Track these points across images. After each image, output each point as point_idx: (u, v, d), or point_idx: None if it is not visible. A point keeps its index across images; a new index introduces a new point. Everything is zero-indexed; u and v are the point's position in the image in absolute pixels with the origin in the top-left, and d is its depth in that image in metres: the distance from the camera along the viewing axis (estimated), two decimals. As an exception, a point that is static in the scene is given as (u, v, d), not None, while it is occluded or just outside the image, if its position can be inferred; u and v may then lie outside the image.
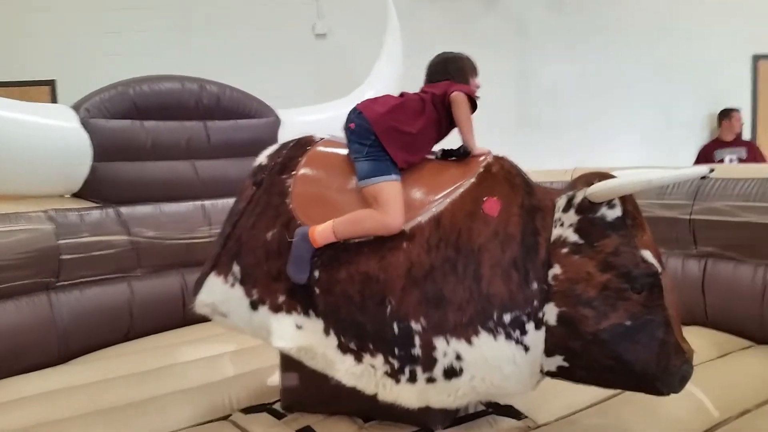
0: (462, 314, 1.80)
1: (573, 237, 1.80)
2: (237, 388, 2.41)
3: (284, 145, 2.26)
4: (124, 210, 3.44)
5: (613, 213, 1.78)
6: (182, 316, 3.48)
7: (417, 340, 1.82)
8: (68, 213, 3.21)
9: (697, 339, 2.20)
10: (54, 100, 5.67)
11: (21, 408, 2.37)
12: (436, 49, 2.33)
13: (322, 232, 1.93)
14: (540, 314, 1.78)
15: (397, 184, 1.98)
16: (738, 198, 2.89)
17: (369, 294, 1.88)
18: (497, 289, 1.80)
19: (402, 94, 2.18)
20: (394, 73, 4.92)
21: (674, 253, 3.15)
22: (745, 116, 6.56)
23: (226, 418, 2.27)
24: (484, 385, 1.80)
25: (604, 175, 1.83)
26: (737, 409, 2.22)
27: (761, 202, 2.81)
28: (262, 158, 2.25)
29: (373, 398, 1.88)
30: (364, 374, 1.88)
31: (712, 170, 1.72)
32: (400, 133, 2.03)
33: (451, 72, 2.21)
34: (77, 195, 3.47)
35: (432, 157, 2.17)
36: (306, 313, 1.97)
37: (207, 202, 3.73)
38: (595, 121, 6.46)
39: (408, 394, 1.84)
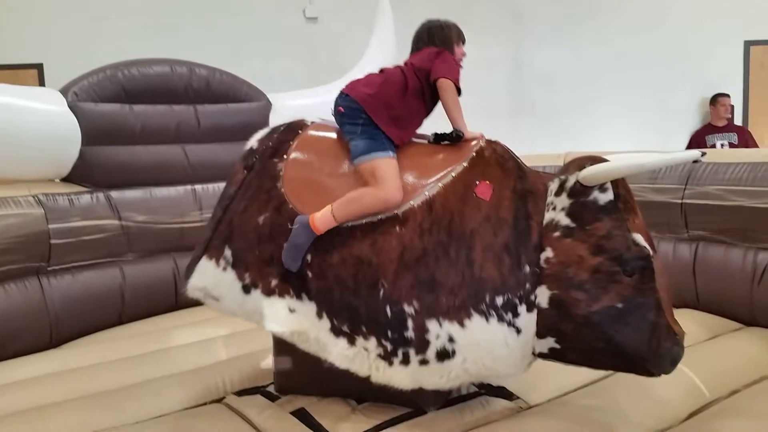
0: (454, 297, 1.81)
1: (565, 220, 1.81)
2: (230, 371, 2.41)
3: (275, 129, 2.25)
4: (115, 194, 3.42)
5: (605, 196, 1.79)
6: (174, 300, 3.48)
7: (410, 323, 1.82)
8: (58, 197, 3.19)
9: (688, 321, 2.23)
10: (41, 83, 5.61)
11: (13, 392, 2.36)
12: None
13: (322, 218, 1.92)
14: (532, 297, 1.79)
15: (393, 161, 1.98)
16: (729, 182, 2.91)
17: (362, 278, 1.89)
18: (489, 273, 1.81)
19: (382, 70, 2.17)
20: (386, 58, 4.89)
21: (666, 236, 3.17)
22: (737, 102, 6.59)
23: (220, 400, 2.27)
24: (477, 367, 1.82)
25: (596, 159, 1.83)
26: (727, 390, 2.26)
27: (752, 186, 2.83)
28: (253, 142, 2.23)
29: (366, 380, 1.89)
30: (357, 357, 1.88)
31: (703, 154, 1.73)
32: (388, 108, 2.04)
33: (435, 40, 2.18)
34: (66, 179, 3.44)
35: (424, 141, 2.17)
36: (299, 297, 1.96)
37: (198, 187, 3.71)
38: (588, 107, 6.47)
39: (401, 376, 1.85)
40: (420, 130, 2.23)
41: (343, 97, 2.09)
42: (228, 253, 2.06)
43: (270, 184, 2.09)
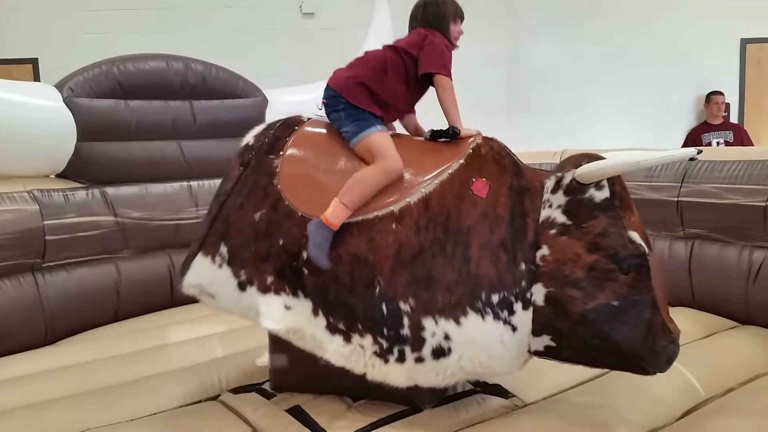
0: (450, 295, 1.81)
1: (561, 218, 1.81)
2: (226, 369, 2.41)
3: (271, 125, 2.24)
4: (110, 190, 3.41)
5: (601, 194, 1.79)
6: (170, 297, 3.47)
7: (406, 321, 1.82)
8: (53, 193, 3.17)
9: (684, 320, 2.23)
10: (36, 78, 5.58)
11: (8, 389, 2.35)
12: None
13: (334, 213, 1.90)
14: (528, 295, 1.79)
15: (384, 133, 2.02)
16: (725, 180, 2.91)
17: (358, 275, 1.88)
18: (486, 270, 1.81)
19: (365, 53, 2.18)
20: (383, 53, 4.88)
21: (661, 234, 3.18)
22: (733, 100, 6.61)
23: (215, 398, 2.27)
24: (472, 364, 1.82)
25: (592, 157, 1.83)
26: (722, 388, 2.26)
27: (747, 184, 2.83)
28: (249, 138, 2.23)
29: (362, 378, 1.88)
30: (352, 354, 1.88)
31: (699, 152, 1.73)
32: (365, 88, 2.06)
33: (429, 18, 2.16)
34: (62, 175, 3.42)
35: (421, 138, 2.17)
36: (294, 294, 1.96)
37: (194, 183, 3.70)
38: (584, 104, 6.47)
39: (397, 374, 1.84)
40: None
41: (326, 88, 2.13)
42: (224, 249, 2.06)
43: (266, 180, 2.08)
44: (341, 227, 1.92)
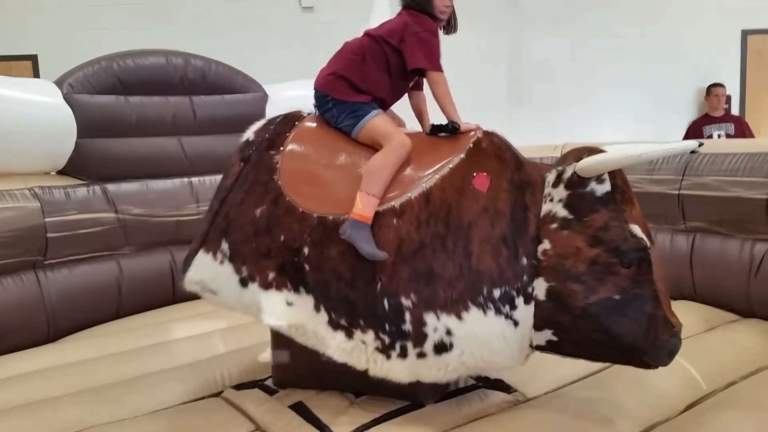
0: (452, 290, 1.81)
1: (562, 212, 1.80)
2: (228, 365, 2.41)
3: (271, 121, 2.24)
4: (111, 187, 3.40)
5: (603, 188, 1.78)
6: (172, 293, 3.47)
7: (407, 316, 1.82)
8: (54, 190, 3.17)
9: (685, 313, 2.22)
10: (36, 75, 5.57)
11: (10, 387, 2.36)
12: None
13: (363, 206, 1.87)
14: (529, 289, 1.79)
15: (383, 116, 2.04)
16: (726, 173, 2.90)
17: (359, 271, 1.88)
18: (487, 265, 1.81)
19: (344, 44, 2.18)
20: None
21: (663, 228, 3.17)
22: (734, 92, 6.59)
23: (218, 394, 2.27)
24: (474, 359, 1.81)
25: (593, 150, 1.82)
26: (724, 381, 2.26)
27: (749, 176, 2.82)
28: (249, 134, 2.22)
29: (364, 373, 1.88)
30: (354, 350, 1.88)
31: (701, 144, 1.73)
32: (345, 79, 2.06)
33: (417, 2, 2.09)
34: (62, 172, 3.42)
35: (421, 133, 2.16)
36: (296, 290, 1.96)
37: (194, 179, 3.70)
38: (585, 97, 6.46)
39: (399, 370, 1.84)
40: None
41: (314, 92, 2.14)
42: (225, 246, 2.06)
43: (266, 176, 2.08)
44: (342, 222, 1.91)
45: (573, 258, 1.75)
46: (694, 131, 6.35)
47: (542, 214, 1.83)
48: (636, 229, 1.75)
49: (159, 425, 2.03)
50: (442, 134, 2.06)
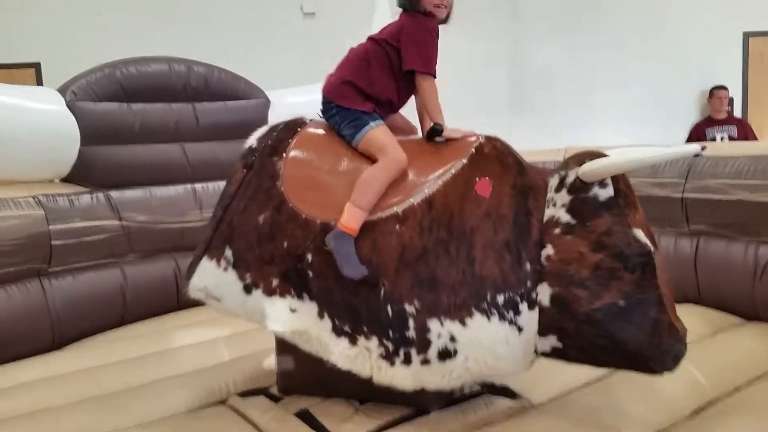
0: (455, 296, 1.80)
1: (565, 217, 1.80)
2: (233, 372, 2.41)
3: (274, 128, 2.24)
4: (115, 194, 3.41)
5: (605, 192, 1.78)
6: (176, 300, 3.47)
7: (411, 323, 1.82)
8: (58, 198, 3.17)
9: (690, 317, 2.22)
10: (39, 82, 5.59)
11: (15, 395, 2.36)
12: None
13: (349, 218, 1.88)
14: (533, 295, 1.79)
15: (382, 128, 2.02)
16: (730, 176, 2.90)
17: (363, 277, 1.87)
18: (490, 271, 1.80)
19: (350, 50, 2.17)
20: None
21: (666, 231, 3.16)
22: (737, 94, 6.58)
23: (223, 402, 2.27)
24: (478, 366, 1.81)
25: (596, 154, 1.82)
26: (729, 386, 2.25)
27: (752, 179, 2.82)
28: (252, 141, 2.22)
29: (369, 380, 1.88)
30: (358, 357, 1.88)
31: (704, 148, 1.73)
32: (352, 85, 2.05)
33: (408, 1, 2.08)
34: (66, 180, 3.43)
35: (421, 138, 2.16)
36: (300, 297, 1.96)
37: (198, 186, 3.70)
38: (587, 101, 6.46)
39: (403, 376, 1.84)
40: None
41: (322, 98, 2.13)
42: (229, 253, 2.06)
43: (269, 183, 2.08)
44: (344, 229, 1.92)
45: (576, 263, 1.75)
46: (696, 134, 6.34)
47: (545, 219, 1.83)
48: (639, 233, 1.75)
49: (164, 433, 2.03)
50: (438, 139, 2.05)
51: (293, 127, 2.20)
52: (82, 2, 5.71)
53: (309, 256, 1.94)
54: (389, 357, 1.85)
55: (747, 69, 6.67)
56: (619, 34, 6.45)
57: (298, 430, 1.98)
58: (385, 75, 2.08)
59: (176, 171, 3.67)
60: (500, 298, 1.78)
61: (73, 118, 3.34)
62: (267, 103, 4.07)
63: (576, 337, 1.76)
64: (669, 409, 2.07)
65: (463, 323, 1.79)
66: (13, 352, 2.84)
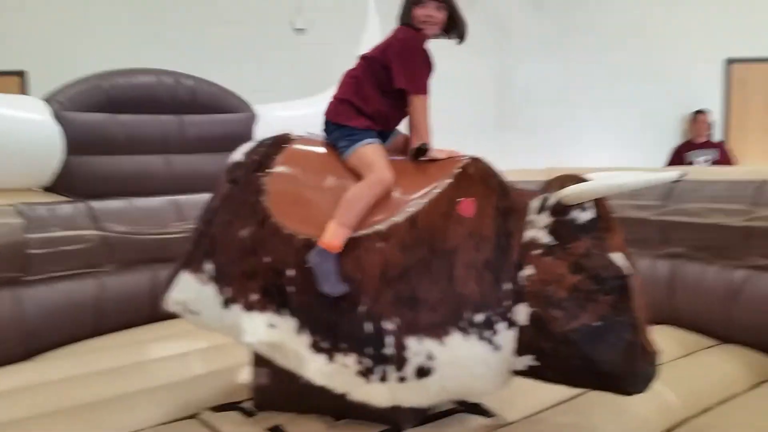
0: (434, 314, 1.81)
1: (546, 239, 1.82)
2: (206, 387, 2.38)
3: (261, 143, 2.24)
4: (96, 204, 3.37)
5: (585, 216, 1.80)
6: (153, 311, 3.40)
7: (389, 340, 1.82)
8: (38, 207, 3.14)
9: (666, 338, 2.25)
10: (24, 91, 5.56)
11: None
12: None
13: (333, 235, 1.89)
14: (511, 314, 1.80)
15: (374, 146, 2.04)
16: (708, 200, 2.94)
17: (344, 294, 1.88)
18: (470, 290, 1.82)
19: (346, 71, 2.20)
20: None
21: (645, 253, 3.20)
22: (718, 119, 6.70)
23: (195, 416, 2.24)
24: (455, 384, 1.82)
25: (577, 178, 1.85)
26: (699, 407, 2.28)
27: (728, 203, 2.86)
28: (239, 156, 2.21)
29: (344, 397, 1.87)
30: (335, 373, 1.87)
31: (683, 174, 1.76)
32: (348, 102, 2.09)
33: (400, 16, 2.12)
34: (49, 189, 3.40)
35: (407, 158, 2.17)
36: (279, 312, 1.95)
37: (180, 197, 3.67)
38: (571, 122, 6.54)
39: (379, 394, 1.84)
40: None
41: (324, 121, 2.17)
42: (209, 267, 2.05)
43: (254, 198, 2.07)
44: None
45: (556, 284, 1.77)
46: (677, 157, 6.45)
47: (526, 240, 1.85)
48: (617, 257, 1.78)
49: (136, 447, 2.00)
50: (422, 158, 2.07)
51: (280, 142, 2.20)
52: (69, 11, 5.70)
53: (290, 272, 1.94)
54: (366, 374, 1.84)
55: (729, 94, 6.80)
56: (605, 57, 6.56)
57: (271, 446, 1.97)
58: (376, 93, 2.10)
59: (160, 182, 3.66)
60: (478, 317, 1.79)
61: (58, 128, 3.32)
62: (253, 117, 4.07)
63: (552, 356, 1.78)
64: (640, 429, 2.08)
65: (441, 341, 1.79)
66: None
